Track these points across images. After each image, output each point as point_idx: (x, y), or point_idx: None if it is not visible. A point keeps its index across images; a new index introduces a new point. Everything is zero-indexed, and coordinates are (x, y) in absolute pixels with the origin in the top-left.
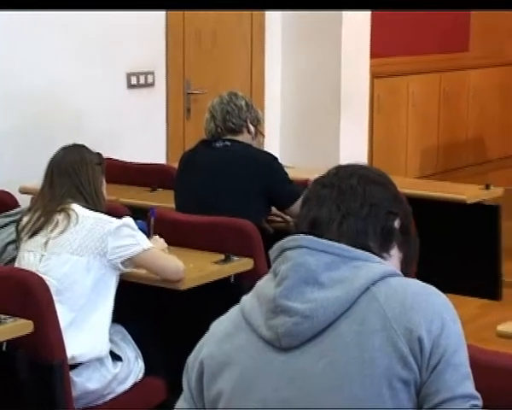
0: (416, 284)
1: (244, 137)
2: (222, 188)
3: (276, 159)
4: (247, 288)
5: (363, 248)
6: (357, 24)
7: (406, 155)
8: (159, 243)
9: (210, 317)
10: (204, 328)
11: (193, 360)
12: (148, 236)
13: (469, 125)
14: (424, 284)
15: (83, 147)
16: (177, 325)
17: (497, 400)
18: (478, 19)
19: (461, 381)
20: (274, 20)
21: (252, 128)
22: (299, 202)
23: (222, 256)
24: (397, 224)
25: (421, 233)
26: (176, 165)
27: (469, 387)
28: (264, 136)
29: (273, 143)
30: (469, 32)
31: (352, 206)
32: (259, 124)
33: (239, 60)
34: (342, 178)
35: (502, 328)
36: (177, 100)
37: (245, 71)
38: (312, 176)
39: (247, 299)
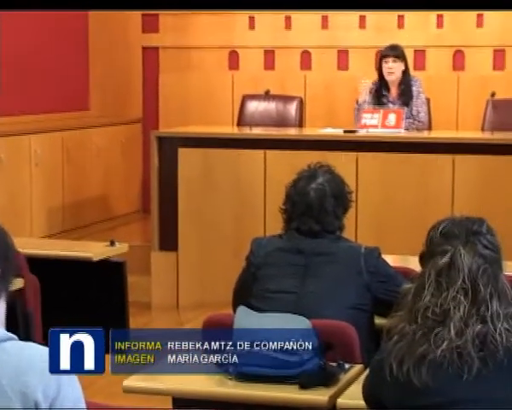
0: (31, 348)
1: None
2: None
3: None
4: None
5: None
6: None
7: (31, 215)
8: None
9: None
10: None
11: None
12: None
13: (94, 183)
14: (40, 346)
15: None
16: None
17: None
18: (97, 78)
19: None
20: None
21: None
22: None
23: None
24: None
25: (49, 293)
26: None
27: None
28: None
29: None
30: (89, 90)
31: None
32: None
33: None
34: None
35: (127, 383)
36: None
37: None
38: None
39: None
